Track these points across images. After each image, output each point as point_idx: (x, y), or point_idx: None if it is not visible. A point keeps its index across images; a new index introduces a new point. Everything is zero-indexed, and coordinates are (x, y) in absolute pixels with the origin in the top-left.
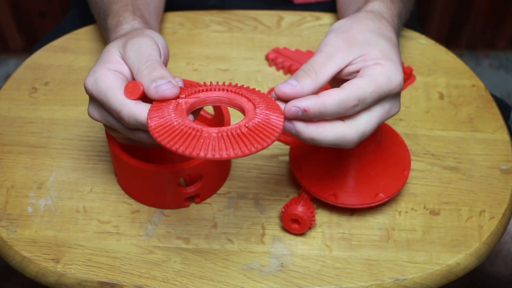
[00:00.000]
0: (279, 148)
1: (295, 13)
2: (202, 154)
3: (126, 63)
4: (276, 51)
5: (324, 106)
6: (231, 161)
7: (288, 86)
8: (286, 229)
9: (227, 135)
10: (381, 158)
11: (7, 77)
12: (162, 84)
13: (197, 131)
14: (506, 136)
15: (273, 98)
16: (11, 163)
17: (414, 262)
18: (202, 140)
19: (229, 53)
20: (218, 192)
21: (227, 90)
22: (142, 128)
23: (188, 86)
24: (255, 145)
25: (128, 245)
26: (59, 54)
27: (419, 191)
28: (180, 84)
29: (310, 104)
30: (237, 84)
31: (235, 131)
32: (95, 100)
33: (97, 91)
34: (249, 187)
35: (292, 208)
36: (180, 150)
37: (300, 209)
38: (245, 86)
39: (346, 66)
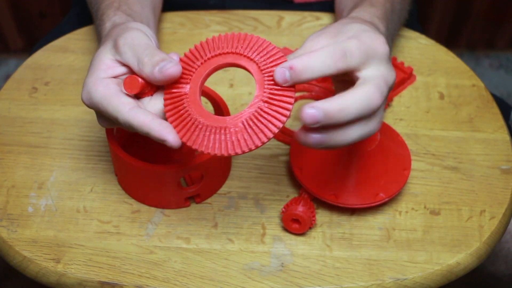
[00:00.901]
0: (279, 148)
1: (295, 13)
2: (239, 149)
3: (122, 61)
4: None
5: (310, 60)
6: (232, 161)
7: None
8: (286, 229)
9: (253, 122)
10: (382, 158)
11: (7, 77)
12: (165, 64)
13: (225, 129)
14: (506, 136)
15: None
16: (12, 163)
17: (415, 262)
18: (233, 137)
19: None
20: (219, 192)
21: (225, 53)
22: (138, 131)
23: (187, 64)
24: (279, 120)
25: (129, 245)
26: (59, 54)
27: (420, 191)
28: (176, 58)
29: (295, 61)
30: (233, 33)
31: (258, 114)
32: (96, 111)
33: (94, 103)
34: (249, 187)
35: (292, 208)
36: (221, 152)
37: (300, 209)
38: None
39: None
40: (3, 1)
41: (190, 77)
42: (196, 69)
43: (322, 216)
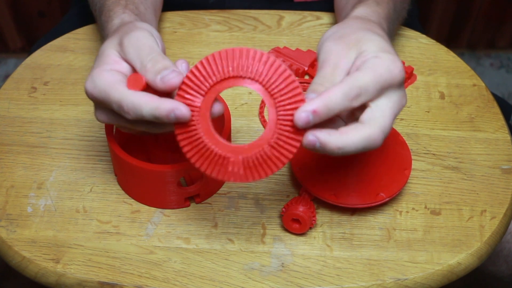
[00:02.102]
0: None
1: (295, 13)
2: (231, 179)
3: (126, 60)
4: (277, 50)
5: (331, 101)
6: None
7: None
8: (286, 229)
9: (253, 162)
10: (382, 157)
11: (6, 77)
12: (167, 74)
13: (224, 158)
14: (507, 135)
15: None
16: (11, 163)
17: (415, 262)
18: (230, 168)
19: None
20: (219, 192)
21: (240, 77)
22: (141, 118)
23: (197, 79)
24: (272, 168)
25: (128, 245)
26: (58, 53)
27: (420, 191)
28: (185, 67)
29: (317, 103)
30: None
31: (259, 155)
32: (98, 102)
33: (97, 90)
34: (249, 187)
35: (292, 208)
36: (214, 176)
37: (300, 209)
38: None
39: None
40: (3, 1)
41: (202, 95)
42: (208, 88)
43: (322, 216)
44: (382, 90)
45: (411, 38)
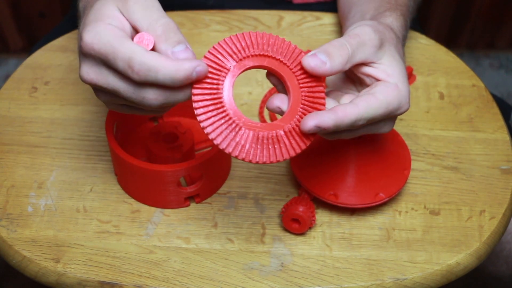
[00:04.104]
0: None
1: (295, 13)
2: (233, 152)
3: (129, 19)
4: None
5: (342, 123)
6: (231, 160)
7: (316, 61)
8: (286, 228)
9: (262, 141)
10: (381, 158)
11: (6, 77)
12: (181, 51)
13: (236, 126)
14: (506, 136)
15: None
16: (11, 163)
17: (414, 262)
18: (238, 139)
19: None
20: (218, 191)
21: (276, 59)
22: (153, 81)
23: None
24: (288, 152)
25: (128, 245)
26: (59, 53)
27: (419, 191)
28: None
29: (331, 122)
30: (269, 36)
31: (272, 135)
32: (93, 57)
33: (101, 43)
34: (249, 186)
35: (292, 208)
36: (215, 142)
37: (300, 209)
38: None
39: (368, 64)
40: (3, 1)
41: (235, 61)
42: (243, 56)
43: (322, 216)
44: (387, 117)
45: (411, 38)
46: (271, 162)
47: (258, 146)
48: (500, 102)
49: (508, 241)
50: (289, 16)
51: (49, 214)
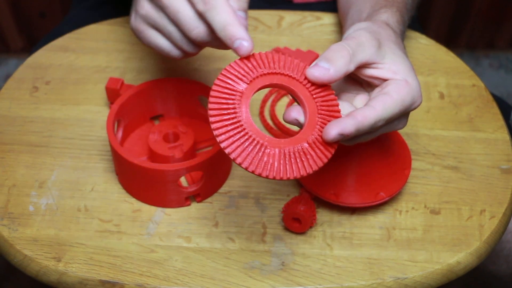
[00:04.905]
0: None
1: (296, 13)
2: (264, 172)
3: None
4: (277, 50)
5: (362, 127)
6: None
7: (320, 70)
8: (287, 228)
9: (289, 158)
10: (382, 157)
11: (7, 77)
12: (242, 17)
13: (261, 147)
14: (506, 135)
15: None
16: (12, 162)
17: (415, 261)
18: (265, 159)
19: (229, 52)
20: (219, 191)
21: (286, 75)
22: (210, 18)
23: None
24: (316, 163)
25: (129, 244)
26: (60, 53)
27: (420, 191)
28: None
29: (353, 129)
30: (289, 58)
31: (298, 149)
32: None
33: None
34: (250, 186)
35: (293, 207)
36: (244, 166)
37: (301, 208)
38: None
39: (369, 65)
40: (3, 1)
41: (246, 83)
42: (254, 77)
43: (322, 215)
44: (402, 114)
45: (411, 38)
46: (302, 176)
47: (287, 162)
48: (500, 102)
49: (508, 240)
50: (289, 16)
51: (50, 213)
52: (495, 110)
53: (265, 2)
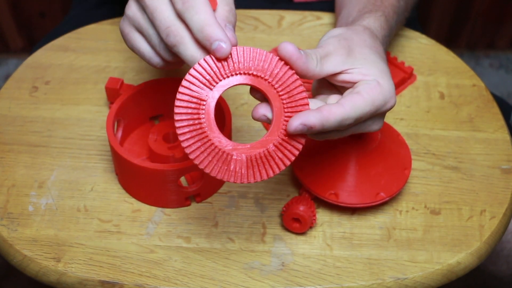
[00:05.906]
0: None
1: (296, 13)
2: (232, 179)
3: None
4: (277, 50)
5: (328, 122)
6: None
7: (295, 52)
8: (287, 228)
9: (256, 162)
10: (382, 157)
11: (6, 77)
12: (229, 28)
13: (228, 156)
14: (506, 135)
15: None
16: (12, 162)
17: (415, 261)
18: (232, 166)
19: None
20: (219, 191)
21: (251, 75)
22: (188, 18)
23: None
24: (284, 162)
25: (129, 244)
26: (60, 53)
27: (420, 191)
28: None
29: (316, 121)
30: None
31: (263, 155)
32: None
33: None
34: (250, 186)
35: (293, 207)
36: (213, 175)
37: (301, 208)
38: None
39: (341, 72)
40: (3, 1)
41: (212, 86)
42: (219, 80)
43: (322, 216)
44: (374, 115)
45: (411, 38)
46: (270, 177)
47: (254, 166)
48: (501, 102)
49: (508, 240)
50: (289, 16)
51: (49, 214)
52: (496, 110)
53: (265, 1)
